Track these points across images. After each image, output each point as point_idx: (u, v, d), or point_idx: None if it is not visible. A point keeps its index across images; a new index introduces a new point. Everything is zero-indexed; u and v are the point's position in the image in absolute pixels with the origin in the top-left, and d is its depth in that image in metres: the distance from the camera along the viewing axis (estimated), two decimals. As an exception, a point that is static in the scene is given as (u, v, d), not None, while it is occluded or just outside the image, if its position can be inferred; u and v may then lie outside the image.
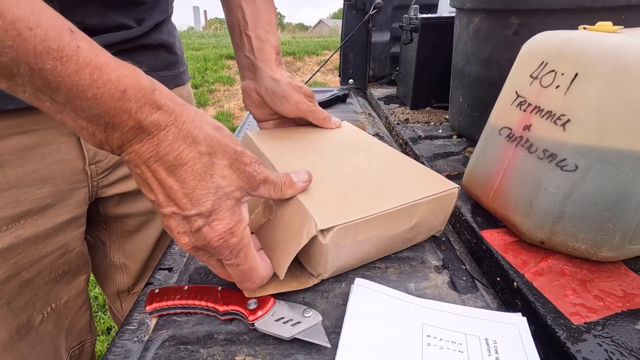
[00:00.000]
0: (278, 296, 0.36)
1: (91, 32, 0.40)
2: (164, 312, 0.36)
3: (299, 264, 0.40)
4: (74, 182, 0.44)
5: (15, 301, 0.41)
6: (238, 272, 0.31)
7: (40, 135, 0.40)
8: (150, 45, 0.47)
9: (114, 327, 1.39)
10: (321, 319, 0.33)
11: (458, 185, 0.41)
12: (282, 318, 0.33)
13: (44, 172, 0.41)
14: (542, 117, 0.39)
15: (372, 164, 0.44)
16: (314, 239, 0.34)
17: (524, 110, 0.41)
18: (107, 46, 0.42)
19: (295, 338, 0.32)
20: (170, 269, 0.43)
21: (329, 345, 0.31)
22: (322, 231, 0.33)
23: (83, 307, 0.51)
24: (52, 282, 0.45)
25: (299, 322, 0.33)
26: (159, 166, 0.26)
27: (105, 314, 1.42)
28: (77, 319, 0.50)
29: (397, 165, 0.45)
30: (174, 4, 0.53)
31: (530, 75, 0.41)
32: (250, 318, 0.33)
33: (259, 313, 0.33)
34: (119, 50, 0.43)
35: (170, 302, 0.35)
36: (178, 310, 0.36)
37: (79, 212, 0.46)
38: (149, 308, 0.35)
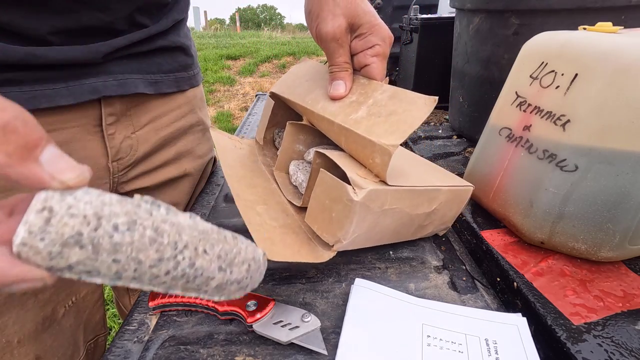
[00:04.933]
0: (278, 299, 0.36)
1: (116, 32, 0.42)
2: (166, 309, 0.36)
3: (313, 242, 0.40)
4: (98, 177, 0.46)
5: (42, 293, 0.43)
6: None
7: (69, 133, 0.42)
8: (169, 48, 0.50)
9: (114, 327, 1.39)
10: (319, 324, 0.33)
11: (473, 185, 0.43)
12: (281, 321, 0.33)
13: None
14: (542, 117, 0.39)
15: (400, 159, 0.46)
16: (343, 198, 0.35)
17: (524, 111, 0.41)
18: (130, 45, 0.43)
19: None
20: (170, 270, 0.43)
21: (325, 353, 0.31)
22: (354, 190, 0.34)
23: (98, 301, 0.53)
24: None
25: (297, 327, 0.32)
26: None
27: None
28: (93, 313, 0.52)
29: (417, 163, 0.48)
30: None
31: (530, 76, 0.41)
32: (249, 320, 0.33)
33: (258, 315, 0.33)
34: (140, 52, 0.46)
35: (172, 299, 0.35)
36: (180, 308, 0.36)
37: None
38: (151, 304, 0.35)
